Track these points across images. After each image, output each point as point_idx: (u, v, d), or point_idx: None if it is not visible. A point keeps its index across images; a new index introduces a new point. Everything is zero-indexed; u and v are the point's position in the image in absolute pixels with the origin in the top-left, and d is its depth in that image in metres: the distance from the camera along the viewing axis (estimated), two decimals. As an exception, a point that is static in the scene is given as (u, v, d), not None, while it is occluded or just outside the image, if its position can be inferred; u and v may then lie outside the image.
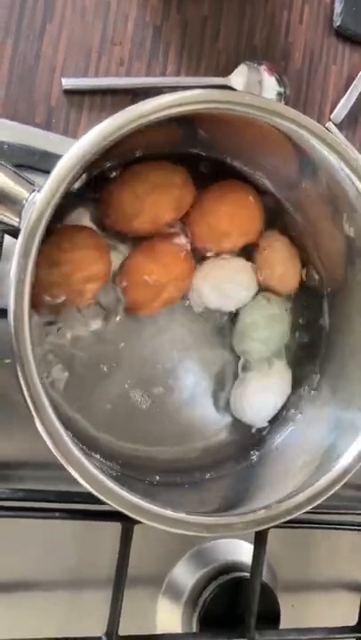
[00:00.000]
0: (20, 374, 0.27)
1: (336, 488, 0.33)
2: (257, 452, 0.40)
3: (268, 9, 0.50)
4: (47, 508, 0.41)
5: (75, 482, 0.44)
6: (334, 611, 0.52)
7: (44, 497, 0.40)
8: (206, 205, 0.39)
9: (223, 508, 0.35)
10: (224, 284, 0.40)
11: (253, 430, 0.41)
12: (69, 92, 0.44)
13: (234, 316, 0.42)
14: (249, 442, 0.41)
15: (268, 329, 0.40)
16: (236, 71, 0.48)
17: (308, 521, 0.45)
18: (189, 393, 0.41)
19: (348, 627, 0.48)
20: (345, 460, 0.33)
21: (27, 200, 0.29)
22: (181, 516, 0.31)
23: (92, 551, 0.45)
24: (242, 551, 0.50)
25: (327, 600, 0.52)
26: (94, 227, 0.40)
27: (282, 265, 0.41)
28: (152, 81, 0.46)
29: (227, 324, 0.42)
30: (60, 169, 0.28)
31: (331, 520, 0.46)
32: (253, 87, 0.49)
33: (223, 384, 0.41)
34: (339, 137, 0.51)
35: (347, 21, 0.51)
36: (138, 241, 0.40)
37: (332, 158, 0.34)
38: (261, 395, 0.40)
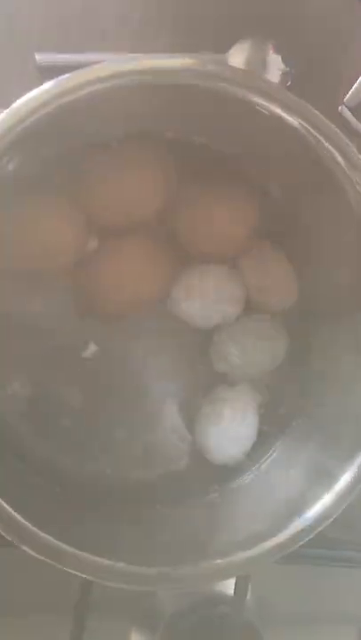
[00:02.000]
0: None
1: (307, 539, 0.28)
2: (220, 488, 0.36)
3: (275, -25, 0.44)
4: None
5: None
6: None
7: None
8: (199, 206, 0.34)
9: (180, 549, 0.30)
10: (208, 299, 0.35)
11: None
12: (45, 70, 0.40)
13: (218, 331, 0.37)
14: (213, 476, 0.36)
15: (253, 351, 0.35)
16: (235, 47, 0.43)
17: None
18: (155, 410, 0.36)
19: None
20: (316, 509, 0.28)
21: None
22: (120, 566, 0.26)
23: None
24: (227, 582, 0.45)
25: (323, 636, 0.48)
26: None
27: (274, 278, 0.36)
28: (138, 58, 0.41)
29: (210, 340, 0.37)
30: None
31: (322, 555, 0.41)
32: (256, 65, 0.43)
33: (193, 407, 0.37)
34: (353, 123, 0.45)
35: (367, -10, 0.45)
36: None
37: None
38: (227, 437, 0.36)
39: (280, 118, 0.28)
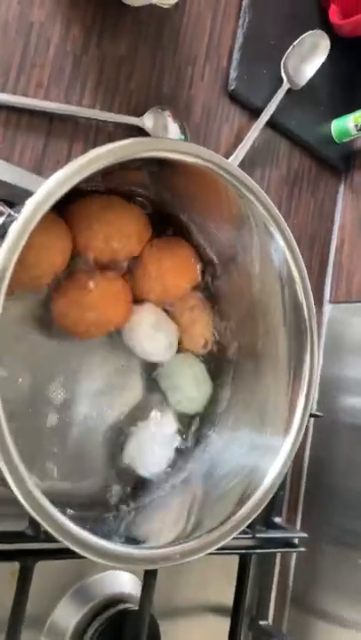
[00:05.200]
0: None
1: (262, 507, 0.35)
2: (177, 478, 0.41)
3: (175, 61, 0.53)
4: None
5: None
6: (205, 634, 0.54)
7: None
8: (155, 257, 0.40)
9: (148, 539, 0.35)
10: (150, 336, 0.41)
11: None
12: (-14, 105, 0.42)
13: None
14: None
15: (182, 378, 0.43)
16: (146, 114, 0.50)
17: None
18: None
19: (220, 648, 0.50)
20: (268, 479, 0.35)
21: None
22: (130, 551, 0.30)
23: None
24: (123, 582, 0.50)
25: (198, 624, 0.55)
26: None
27: (198, 327, 0.43)
28: (69, 109, 0.46)
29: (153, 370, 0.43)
30: (30, 205, 0.29)
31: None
32: (160, 130, 0.51)
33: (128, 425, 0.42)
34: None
35: (239, 87, 0.57)
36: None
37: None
38: (151, 451, 0.42)
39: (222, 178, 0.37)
